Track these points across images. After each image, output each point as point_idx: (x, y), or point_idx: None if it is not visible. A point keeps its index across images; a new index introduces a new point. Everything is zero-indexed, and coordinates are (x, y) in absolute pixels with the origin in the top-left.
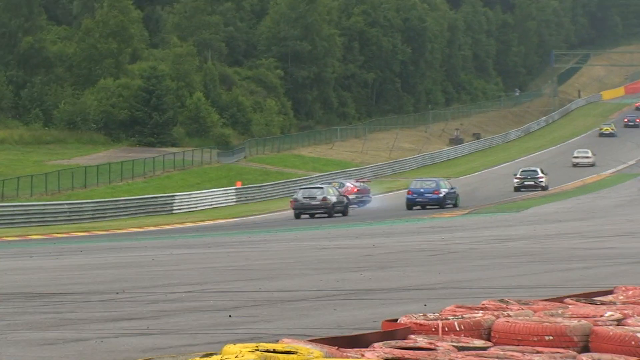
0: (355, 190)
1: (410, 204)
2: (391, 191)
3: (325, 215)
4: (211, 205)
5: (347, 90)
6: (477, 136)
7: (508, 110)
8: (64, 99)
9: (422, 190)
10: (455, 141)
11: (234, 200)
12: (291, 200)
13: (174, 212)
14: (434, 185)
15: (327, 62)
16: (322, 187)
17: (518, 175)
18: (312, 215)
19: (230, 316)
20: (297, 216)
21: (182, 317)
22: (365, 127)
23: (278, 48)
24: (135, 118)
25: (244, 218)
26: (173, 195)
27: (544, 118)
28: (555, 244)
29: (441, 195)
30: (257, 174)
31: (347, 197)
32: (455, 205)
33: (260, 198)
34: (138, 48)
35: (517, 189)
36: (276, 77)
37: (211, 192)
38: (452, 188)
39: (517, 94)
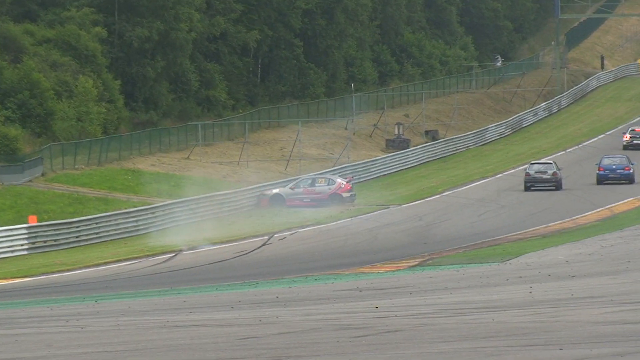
0: (350, 187)
1: (602, 180)
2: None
3: (554, 188)
4: None
5: (214, 61)
6: (432, 135)
7: (485, 92)
8: None
9: (613, 166)
10: (397, 144)
11: (26, 246)
12: (525, 173)
13: None
14: (625, 161)
15: (178, 13)
16: (551, 163)
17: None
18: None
19: None
20: (528, 189)
21: None
22: (245, 123)
23: None
24: None
25: (44, 277)
26: None
27: (544, 105)
28: (565, 315)
29: (631, 171)
30: (65, 202)
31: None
32: None
33: (70, 243)
34: None
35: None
36: (94, 39)
37: None
38: None
39: (499, 64)
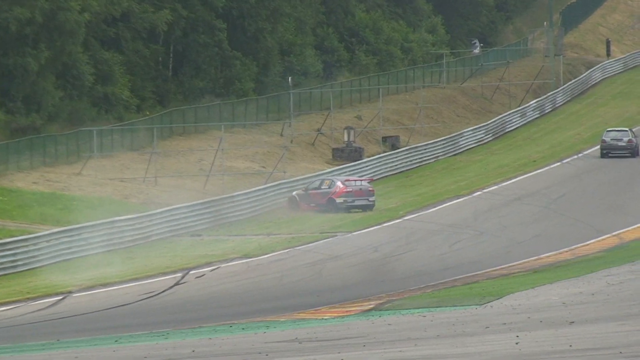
0: (345, 190)
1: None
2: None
3: (629, 155)
4: None
5: (113, 49)
6: (391, 143)
7: (458, 88)
8: None
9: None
10: (346, 154)
11: None
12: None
13: None
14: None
15: None
16: (627, 130)
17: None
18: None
19: None
20: (605, 155)
21: None
22: (153, 128)
23: None
24: None
25: None
26: None
27: (533, 103)
28: None
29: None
30: None
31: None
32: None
33: None
34: None
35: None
36: None
37: None
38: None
39: (477, 50)
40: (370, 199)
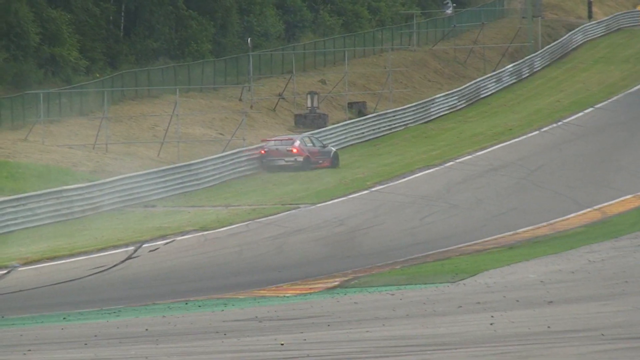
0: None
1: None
2: None
3: None
4: None
5: (61, 7)
6: (358, 109)
7: (429, 51)
8: None
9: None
10: (310, 120)
11: None
12: None
13: None
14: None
15: None
16: None
17: None
18: None
19: None
20: None
21: None
22: (103, 92)
23: None
24: None
25: None
26: None
27: (510, 67)
28: (539, 356)
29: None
30: None
31: None
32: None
33: None
34: None
35: None
36: None
37: None
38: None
39: (449, 10)
40: (287, 159)
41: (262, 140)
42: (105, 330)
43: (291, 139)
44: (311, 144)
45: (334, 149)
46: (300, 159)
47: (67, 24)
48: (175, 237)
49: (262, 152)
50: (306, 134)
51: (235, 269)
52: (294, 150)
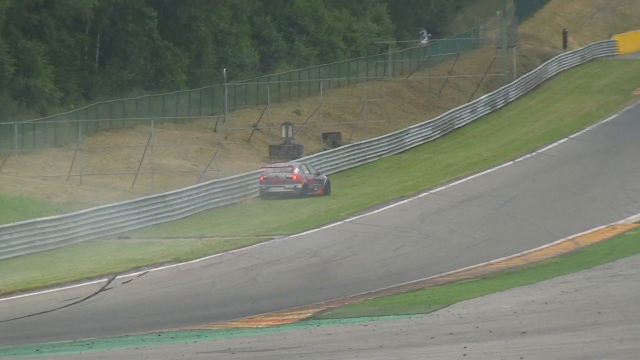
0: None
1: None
2: None
3: None
4: None
5: (36, 38)
6: (332, 140)
7: (404, 81)
8: None
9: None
10: (284, 151)
11: None
12: None
13: None
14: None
15: None
16: None
17: None
18: None
19: None
20: None
21: None
22: (78, 123)
23: None
24: None
25: None
26: None
27: (484, 97)
28: None
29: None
30: None
31: None
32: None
33: None
34: None
35: None
36: None
37: None
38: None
39: (424, 40)
40: (287, 186)
41: (262, 167)
42: None
43: (291, 166)
44: (307, 171)
45: (326, 177)
46: (300, 186)
47: (42, 55)
48: (149, 269)
49: (262, 178)
50: (295, 161)
51: (209, 300)
52: (294, 177)
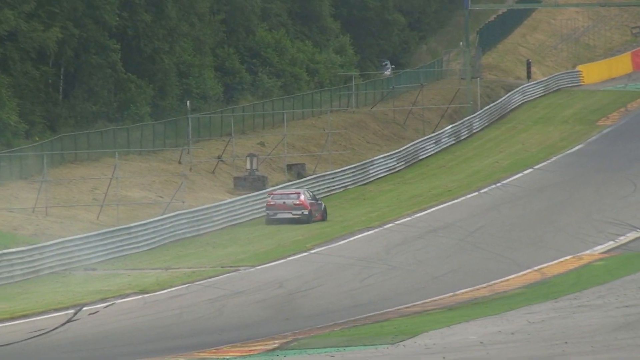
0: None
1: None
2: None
3: None
4: None
5: (0, 71)
6: (297, 171)
7: (368, 112)
8: None
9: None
10: (249, 182)
11: None
12: None
13: None
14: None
15: None
16: None
17: None
18: None
19: None
20: None
21: None
22: (43, 155)
23: None
24: None
25: None
26: None
27: (449, 128)
28: None
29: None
30: None
31: None
32: None
33: None
34: None
35: None
36: None
37: None
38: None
39: (388, 71)
40: (295, 212)
41: (269, 194)
42: None
43: (297, 192)
44: (310, 197)
45: (323, 203)
46: (306, 212)
47: (6, 88)
48: (115, 300)
49: (268, 204)
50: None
51: (175, 331)
52: (301, 204)
